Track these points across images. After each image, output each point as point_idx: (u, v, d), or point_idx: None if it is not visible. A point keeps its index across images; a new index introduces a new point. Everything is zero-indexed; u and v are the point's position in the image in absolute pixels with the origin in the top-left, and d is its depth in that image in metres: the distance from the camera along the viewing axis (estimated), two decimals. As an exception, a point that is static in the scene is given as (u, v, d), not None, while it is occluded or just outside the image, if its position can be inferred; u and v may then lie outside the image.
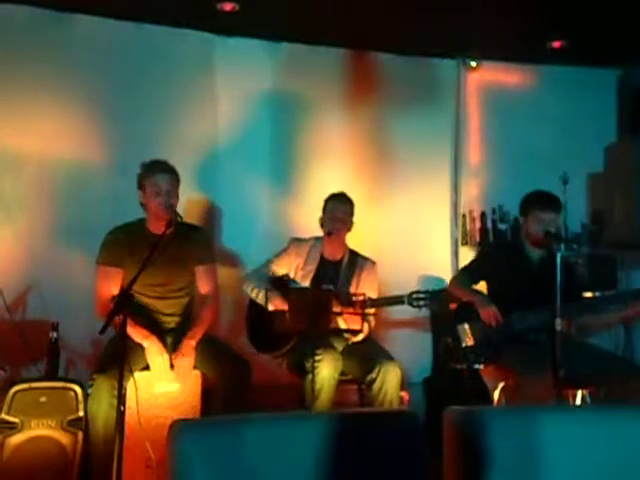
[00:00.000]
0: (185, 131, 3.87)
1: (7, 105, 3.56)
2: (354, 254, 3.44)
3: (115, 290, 2.90)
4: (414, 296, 3.18)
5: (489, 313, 3.07)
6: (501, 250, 3.51)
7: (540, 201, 3.16)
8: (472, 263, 3.41)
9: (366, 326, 3.17)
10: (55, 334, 2.88)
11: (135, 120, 3.77)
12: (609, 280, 3.94)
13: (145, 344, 2.83)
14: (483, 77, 4.41)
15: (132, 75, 3.80)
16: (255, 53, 4.04)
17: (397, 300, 3.23)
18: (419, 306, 3.20)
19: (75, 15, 3.66)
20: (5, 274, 3.42)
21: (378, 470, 1.36)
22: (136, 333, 2.83)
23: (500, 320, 3.06)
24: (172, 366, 2.82)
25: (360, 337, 3.20)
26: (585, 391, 3.05)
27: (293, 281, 3.35)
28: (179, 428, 1.26)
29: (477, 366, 3.13)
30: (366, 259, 3.44)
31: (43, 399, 2.70)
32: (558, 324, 2.66)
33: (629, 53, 4.00)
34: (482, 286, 3.36)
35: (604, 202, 4.27)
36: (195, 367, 2.90)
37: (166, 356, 2.84)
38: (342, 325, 3.17)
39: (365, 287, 3.29)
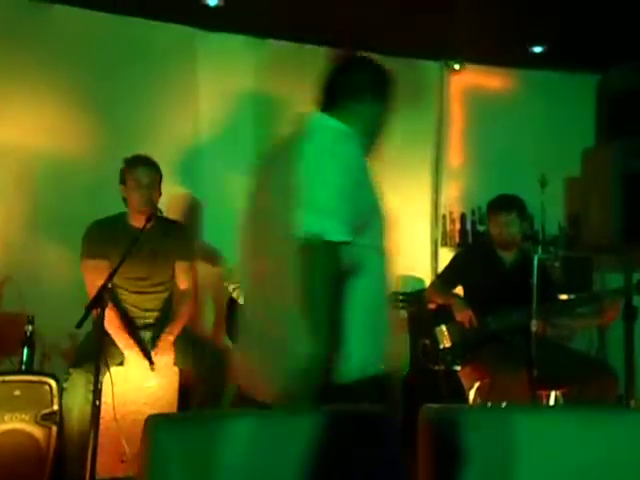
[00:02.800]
0: (166, 125, 3.83)
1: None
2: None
3: (106, 282, 2.88)
4: (393, 297, 3.19)
5: (464, 315, 3.11)
6: (472, 254, 3.56)
7: (495, 204, 3.26)
8: (446, 270, 3.44)
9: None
10: (30, 327, 2.84)
11: (115, 113, 3.72)
12: (584, 282, 3.99)
13: (126, 353, 2.82)
14: (466, 80, 4.44)
15: (112, 67, 3.74)
16: (238, 49, 4.01)
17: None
18: (398, 308, 3.21)
19: (54, 5, 3.59)
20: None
21: (354, 468, 1.36)
22: (119, 338, 2.82)
23: (475, 323, 3.09)
24: (152, 363, 2.82)
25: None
26: (558, 392, 3.10)
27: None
28: (154, 423, 1.25)
29: (455, 367, 3.17)
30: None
31: (17, 392, 2.66)
32: (533, 325, 2.71)
33: (608, 58, 4.05)
34: (459, 290, 3.40)
35: (581, 206, 4.31)
36: (173, 363, 2.89)
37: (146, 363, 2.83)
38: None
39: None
